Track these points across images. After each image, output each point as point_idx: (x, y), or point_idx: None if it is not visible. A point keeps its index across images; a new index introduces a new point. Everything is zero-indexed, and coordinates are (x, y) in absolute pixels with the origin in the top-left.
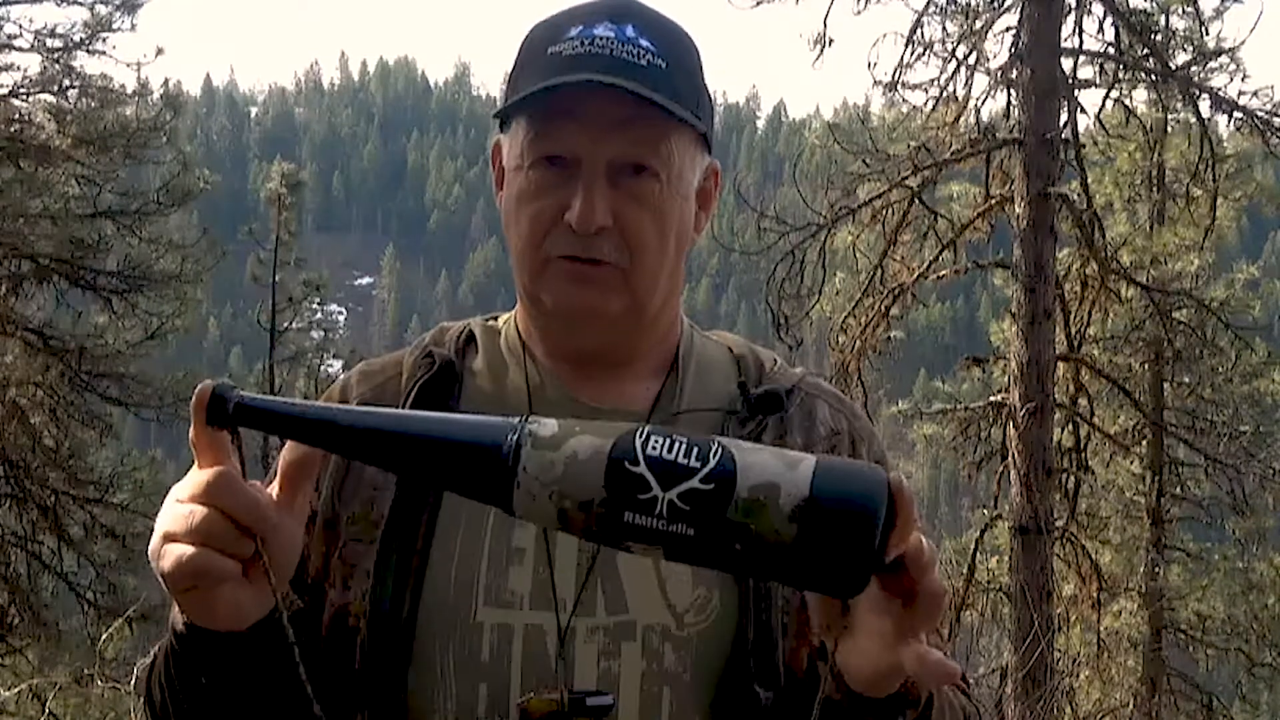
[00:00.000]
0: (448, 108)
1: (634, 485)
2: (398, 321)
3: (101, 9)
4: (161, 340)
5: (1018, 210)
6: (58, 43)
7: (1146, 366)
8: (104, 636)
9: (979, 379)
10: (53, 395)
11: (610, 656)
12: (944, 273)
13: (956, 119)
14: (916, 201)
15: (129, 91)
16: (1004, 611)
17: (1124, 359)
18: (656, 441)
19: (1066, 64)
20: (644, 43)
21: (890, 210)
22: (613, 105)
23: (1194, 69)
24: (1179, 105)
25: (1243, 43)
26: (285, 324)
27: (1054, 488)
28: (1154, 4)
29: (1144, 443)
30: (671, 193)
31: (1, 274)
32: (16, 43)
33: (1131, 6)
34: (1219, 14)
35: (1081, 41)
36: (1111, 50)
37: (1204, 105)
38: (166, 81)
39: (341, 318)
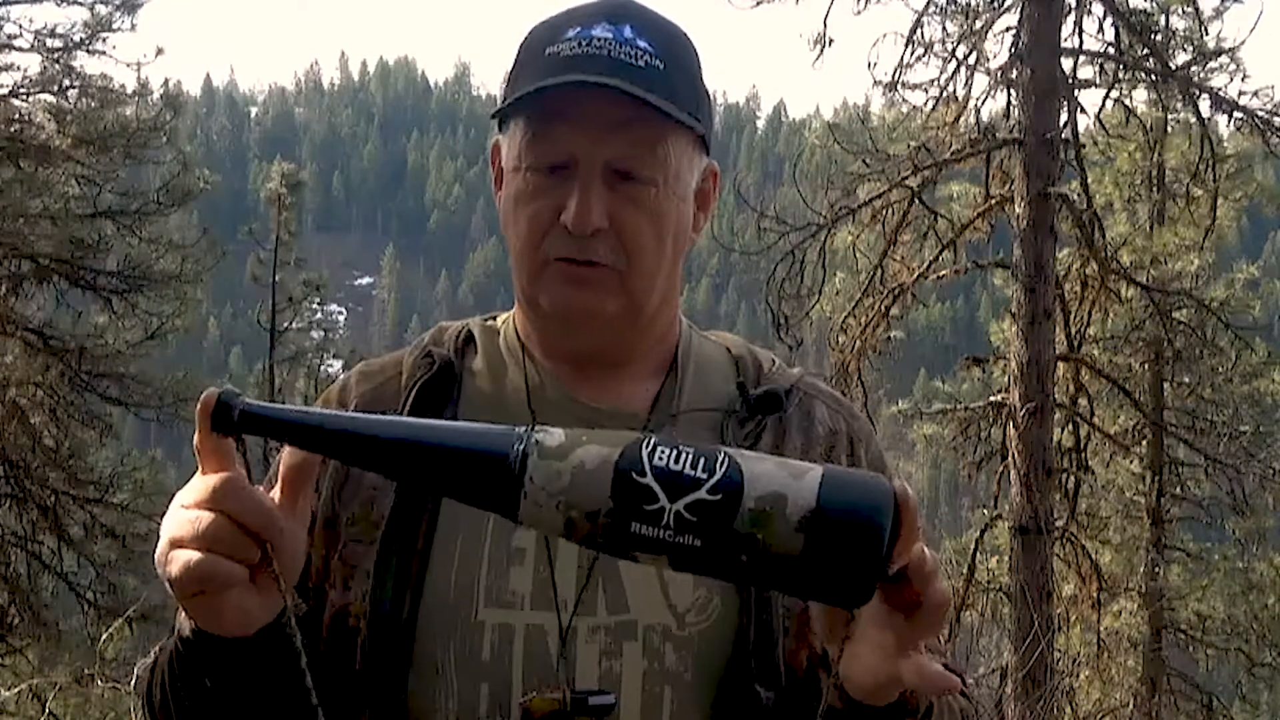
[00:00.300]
0: (448, 108)
1: (641, 496)
2: (398, 321)
3: (101, 9)
4: (161, 340)
5: (1018, 210)
6: (58, 43)
7: (1146, 366)
8: (104, 636)
9: (979, 379)
10: (53, 395)
11: (612, 656)
12: (944, 273)
13: (956, 119)
14: (916, 201)
15: (129, 91)
16: (1004, 611)
17: (1124, 359)
18: (663, 452)
19: (1066, 64)
20: (642, 44)
21: (890, 210)
22: (610, 106)
23: (1194, 69)
24: (1179, 105)
25: (1243, 43)
26: (285, 324)
27: (1054, 488)
28: (1154, 4)
29: (1144, 443)
30: (669, 194)
31: (1, 274)
32: (16, 43)
33: (1131, 6)
34: (1219, 14)
35: (1081, 41)
36: (1111, 50)
37: (1204, 105)
38: (166, 81)
39: (341, 318)
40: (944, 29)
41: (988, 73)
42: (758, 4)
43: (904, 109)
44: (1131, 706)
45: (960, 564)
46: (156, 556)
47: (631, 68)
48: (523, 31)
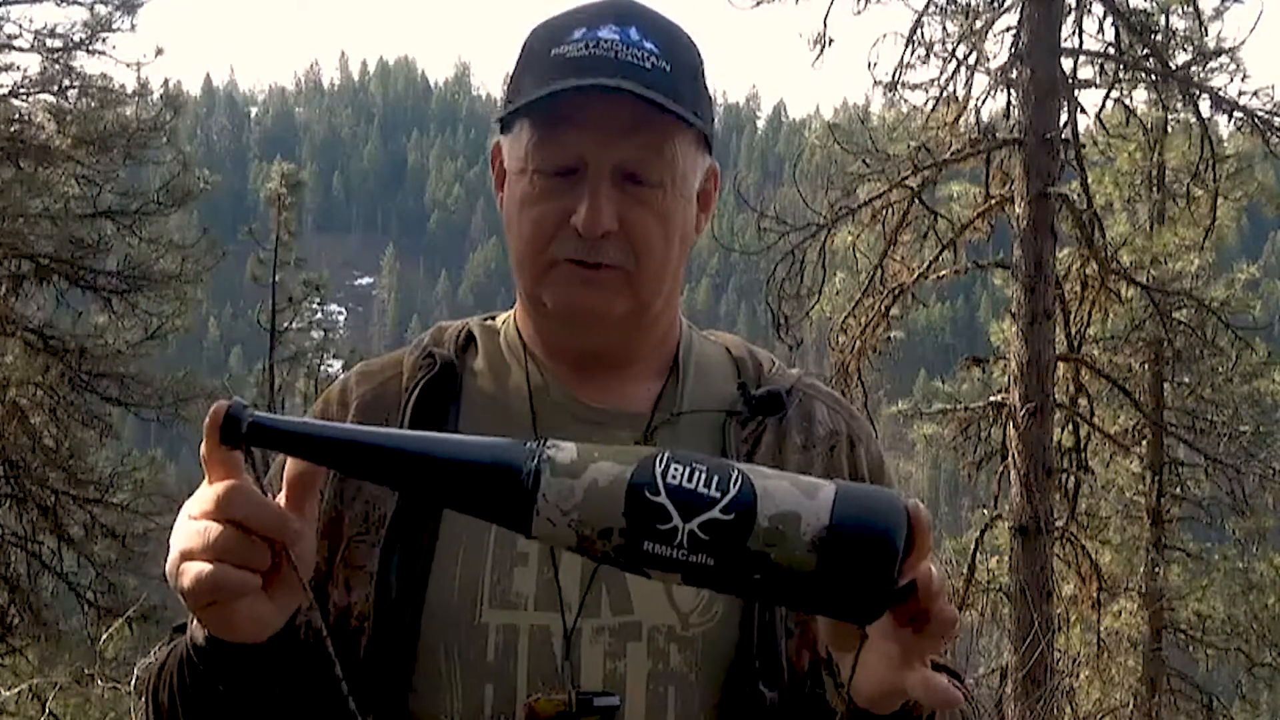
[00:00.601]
0: (448, 108)
1: (654, 515)
2: (398, 321)
3: (101, 9)
4: (161, 340)
5: (1018, 210)
6: (58, 43)
7: (1146, 366)
8: (104, 636)
9: (979, 379)
10: (53, 395)
11: (616, 657)
12: (944, 273)
13: (956, 119)
14: (916, 201)
15: (129, 91)
16: (1004, 611)
17: (1124, 359)
18: (676, 470)
19: (1066, 64)
20: (648, 45)
21: (890, 210)
22: (618, 109)
23: (1194, 69)
24: (1179, 105)
25: (1243, 43)
26: (285, 324)
27: (1054, 488)
28: (1154, 4)
29: (1144, 443)
30: (676, 196)
31: (1, 274)
32: (16, 43)
33: (1131, 6)
34: (1219, 14)
35: (1081, 41)
36: (1111, 50)
37: (1204, 105)
38: (166, 81)
39: (341, 318)
40: (944, 29)
41: (988, 73)
42: (758, 4)
43: (904, 109)
44: (1131, 706)
45: (960, 564)
46: (167, 569)
47: (639, 69)
48: (523, 31)
